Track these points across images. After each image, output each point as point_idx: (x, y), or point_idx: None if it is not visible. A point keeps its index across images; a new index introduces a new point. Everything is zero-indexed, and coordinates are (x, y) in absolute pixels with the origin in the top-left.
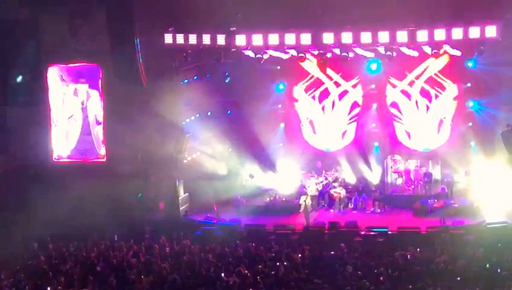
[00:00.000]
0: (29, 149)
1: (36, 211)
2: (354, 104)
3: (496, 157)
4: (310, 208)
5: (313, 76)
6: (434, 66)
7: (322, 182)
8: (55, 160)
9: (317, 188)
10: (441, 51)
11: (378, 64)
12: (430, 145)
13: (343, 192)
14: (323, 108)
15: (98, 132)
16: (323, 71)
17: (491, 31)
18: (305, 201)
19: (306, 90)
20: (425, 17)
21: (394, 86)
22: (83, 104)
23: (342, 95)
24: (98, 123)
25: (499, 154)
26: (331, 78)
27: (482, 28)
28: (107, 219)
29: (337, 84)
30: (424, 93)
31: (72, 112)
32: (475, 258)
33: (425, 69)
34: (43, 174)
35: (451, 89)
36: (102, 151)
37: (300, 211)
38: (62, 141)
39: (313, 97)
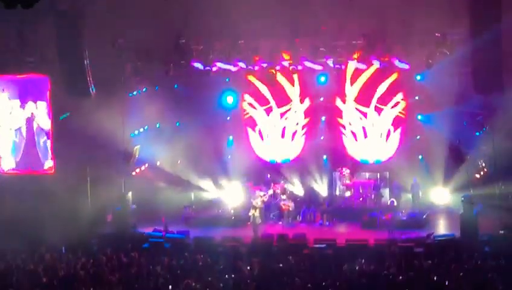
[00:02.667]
0: None
1: None
2: (301, 119)
3: (442, 170)
4: (259, 220)
5: (260, 89)
6: (384, 83)
7: (266, 193)
8: (1, 171)
9: (263, 200)
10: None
11: (326, 77)
12: (378, 157)
13: (292, 204)
14: (271, 120)
15: (44, 143)
16: (272, 84)
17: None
18: (253, 213)
19: (254, 103)
20: (374, 31)
21: (343, 99)
22: (29, 116)
23: (289, 108)
24: (45, 135)
25: (445, 167)
26: (279, 91)
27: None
28: (54, 231)
29: (285, 97)
30: (373, 105)
31: (19, 124)
32: (423, 271)
33: (374, 82)
34: None
35: (399, 101)
36: (49, 163)
37: (249, 223)
38: (7, 153)
39: (262, 109)
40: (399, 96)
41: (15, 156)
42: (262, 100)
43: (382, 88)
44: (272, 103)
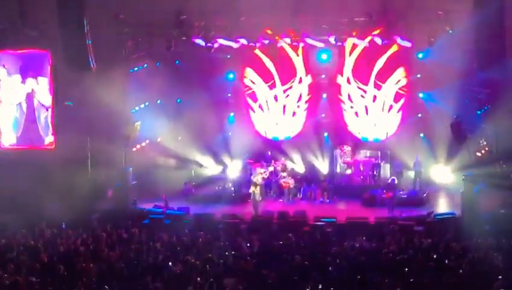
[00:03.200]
0: None
1: None
2: (304, 94)
3: (444, 149)
4: (259, 197)
5: (266, 64)
6: (384, 55)
7: (267, 170)
8: (2, 147)
9: (263, 177)
10: (394, 48)
11: (328, 54)
12: (378, 135)
13: (292, 182)
14: (273, 96)
15: (45, 119)
16: (273, 60)
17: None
18: (254, 190)
19: (257, 78)
20: (376, 9)
21: (347, 76)
22: (30, 91)
23: (291, 86)
24: (46, 111)
25: (447, 146)
26: (284, 66)
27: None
28: (54, 207)
29: (289, 73)
30: (374, 83)
31: (19, 99)
32: (423, 249)
33: (374, 57)
34: None
35: (401, 79)
36: (49, 139)
37: (250, 200)
38: (9, 128)
39: (264, 85)
40: (399, 72)
41: (16, 132)
42: (265, 75)
43: (381, 62)
44: (276, 78)
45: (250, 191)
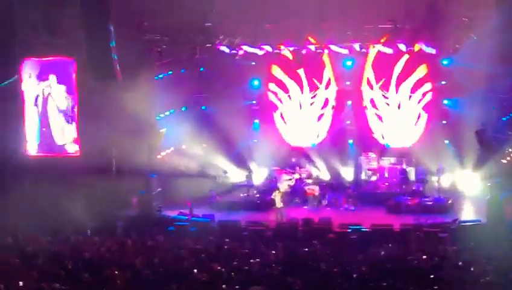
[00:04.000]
0: (2, 143)
1: (9, 206)
2: (330, 100)
3: (469, 155)
4: (281, 204)
5: (290, 68)
6: (403, 57)
7: (292, 178)
8: (28, 154)
9: (288, 184)
10: (416, 48)
11: (352, 61)
12: (404, 142)
13: (317, 189)
14: (298, 104)
15: (62, 128)
16: (298, 68)
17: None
18: (276, 197)
19: (283, 78)
20: (402, 15)
21: (369, 83)
22: (47, 98)
23: (316, 93)
24: (63, 118)
25: (472, 153)
26: (307, 73)
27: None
28: (80, 213)
29: (312, 81)
30: (397, 88)
31: (40, 107)
32: (448, 256)
33: (399, 66)
34: (16, 168)
35: (426, 86)
36: (74, 147)
37: (274, 207)
38: (33, 137)
39: (289, 87)
40: (422, 72)
41: (37, 140)
42: (288, 84)
43: (401, 64)
44: (304, 82)
45: (272, 196)
